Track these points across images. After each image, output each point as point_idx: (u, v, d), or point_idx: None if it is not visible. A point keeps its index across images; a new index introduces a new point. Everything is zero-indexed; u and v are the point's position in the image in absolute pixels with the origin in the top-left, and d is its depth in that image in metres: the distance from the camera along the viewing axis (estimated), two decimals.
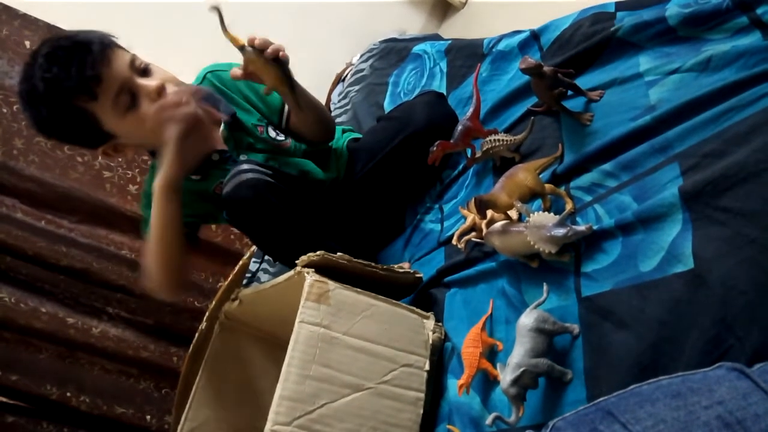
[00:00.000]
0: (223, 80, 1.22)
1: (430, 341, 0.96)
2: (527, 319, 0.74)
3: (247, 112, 1.21)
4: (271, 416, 0.81)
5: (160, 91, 1.03)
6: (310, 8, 2.46)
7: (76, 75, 0.95)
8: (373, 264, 0.98)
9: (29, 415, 1.69)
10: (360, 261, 0.96)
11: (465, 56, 1.43)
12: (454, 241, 1.04)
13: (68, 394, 1.70)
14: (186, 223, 1.13)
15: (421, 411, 0.90)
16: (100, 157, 1.83)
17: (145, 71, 1.04)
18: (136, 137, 1.09)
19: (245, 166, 1.04)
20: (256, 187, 1.03)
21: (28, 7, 1.80)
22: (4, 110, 1.73)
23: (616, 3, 1.00)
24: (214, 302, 1.27)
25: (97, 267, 1.75)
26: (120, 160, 1.85)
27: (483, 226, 0.95)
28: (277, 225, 1.07)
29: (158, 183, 1.02)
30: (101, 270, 1.76)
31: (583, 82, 0.95)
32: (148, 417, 1.79)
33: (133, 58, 1.03)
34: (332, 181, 1.30)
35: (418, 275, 1.05)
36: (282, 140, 1.24)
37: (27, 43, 1.77)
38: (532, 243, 0.78)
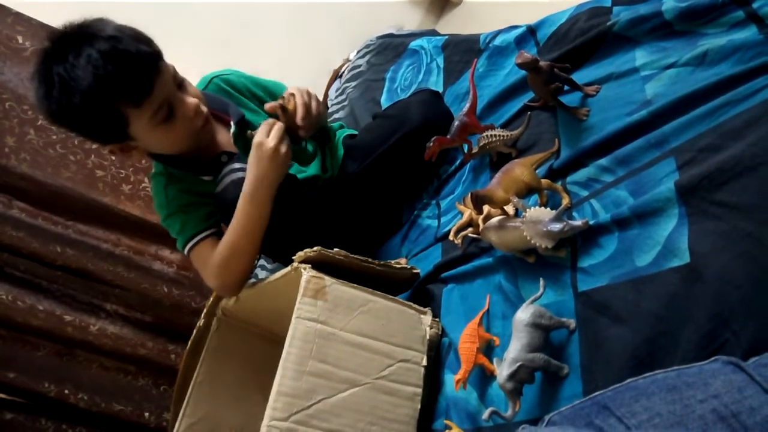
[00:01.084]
0: (231, 82, 1.23)
1: (427, 337, 0.96)
2: (524, 314, 0.74)
3: (256, 113, 1.22)
4: (268, 412, 0.81)
5: (198, 111, 1.05)
6: (308, 4, 2.46)
7: (131, 82, 0.94)
8: (370, 260, 0.98)
9: (28, 412, 1.68)
10: (357, 257, 0.96)
11: (462, 52, 1.43)
12: (451, 237, 1.04)
13: (66, 391, 1.70)
14: (210, 224, 1.14)
15: (419, 406, 0.91)
16: (93, 156, 1.82)
17: (181, 85, 1.05)
18: (155, 145, 1.09)
19: (236, 165, 1.05)
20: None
21: (25, 7, 1.79)
22: None
23: None
24: (211, 299, 1.27)
25: (93, 268, 1.75)
26: (113, 158, 1.84)
27: (480, 221, 0.95)
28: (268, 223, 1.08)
29: (249, 192, 1.02)
30: (97, 270, 1.75)
31: (580, 77, 0.95)
32: (147, 414, 1.78)
33: (175, 72, 1.03)
34: (328, 177, 1.30)
35: (415, 271, 1.05)
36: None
37: (19, 39, 1.75)
38: (528, 238, 0.78)
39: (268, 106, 1.04)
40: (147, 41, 0.98)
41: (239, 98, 1.22)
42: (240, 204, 1.03)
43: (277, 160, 0.99)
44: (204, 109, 1.07)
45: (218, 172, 1.10)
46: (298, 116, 1.01)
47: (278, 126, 1.01)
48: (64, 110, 0.96)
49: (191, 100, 1.04)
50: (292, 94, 1.04)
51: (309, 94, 1.06)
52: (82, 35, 0.94)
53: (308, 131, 1.05)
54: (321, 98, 2.30)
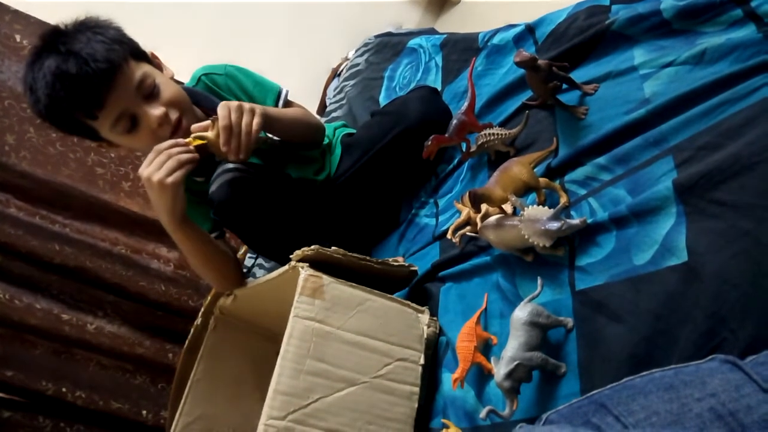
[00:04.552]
0: (217, 83, 1.22)
1: (425, 335, 0.96)
2: (521, 312, 0.74)
3: None
4: (265, 410, 0.81)
5: (162, 122, 1.02)
6: (306, 2, 2.45)
7: (78, 98, 0.95)
8: (367, 258, 0.98)
9: (26, 410, 1.68)
10: (355, 255, 0.96)
11: (460, 50, 1.43)
12: (448, 236, 1.04)
13: (64, 389, 1.70)
14: (211, 227, 1.15)
15: (416, 405, 0.90)
16: (92, 154, 1.83)
17: (151, 93, 1.02)
18: (129, 148, 1.10)
19: (229, 166, 1.04)
20: (238, 185, 1.03)
21: (24, 5, 1.79)
22: None
23: None
24: (209, 298, 1.27)
25: (91, 266, 1.75)
26: (113, 155, 1.85)
27: (478, 220, 0.95)
28: (261, 222, 1.08)
29: (165, 225, 1.03)
30: (95, 268, 1.75)
31: (578, 75, 0.94)
32: (144, 412, 1.78)
33: (142, 79, 1.01)
34: (325, 175, 1.29)
35: (412, 268, 1.05)
36: (277, 140, 1.24)
37: (17, 37, 1.75)
38: (526, 237, 0.78)
39: (193, 127, 0.99)
40: (107, 51, 0.96)
41: (225, 97, 1.22)
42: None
43: (158, 192, 0.95)
44: (174, 117, 1.04)
45: (212, 173, 1.09)
46: (220, 142, 0.96)
47: (162, 155, 0.95)
48: (38, 115, 1.01)
49: (155, 112, 1.01)
50: (216, 118, 0.96)
51: (240, 109, 0.97)
52: (50, 44, 0.97)
53: (239, 153, 0.97)
54: (320, 97, 2.31)
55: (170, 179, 0.94)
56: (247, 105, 0.99)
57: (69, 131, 1.05)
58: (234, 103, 0.98)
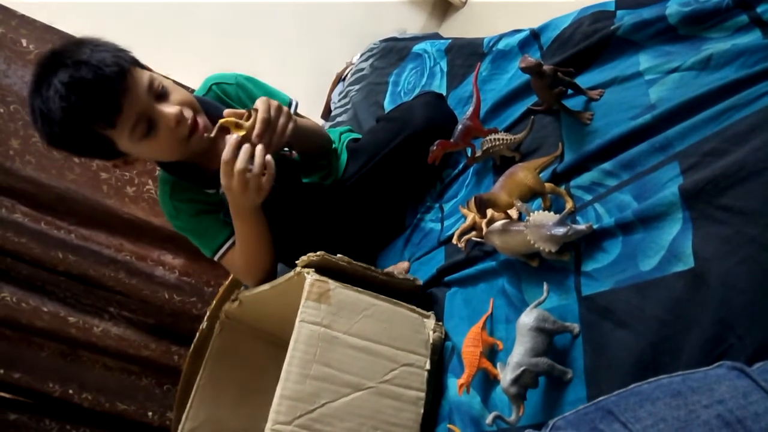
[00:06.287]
0: (228, 92, 1.22)
1: (431, 340, 0.96)
2: (527, 318, 0.74)
3: None
4: (271, 416, 0.81)
5: (179, 120, 1.02)
6: (311, 7, 2.47)
7: (96, 106, 0.95)
8: (372, 268, 0.98)
9: (32, 412, 1.69)
10: (360, 264, 0.96)
11: (465, 55, 1.43)
12: (454, 241, 1.04)
13: (70, 391, 1.71)
14: (229, 233, 1.15)
15: (422, 410, 0.90)
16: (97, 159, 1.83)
17: (161, 94, 1.02)
18: (150, 157, 1.10)
19: None
20: None
21: (29, 8, 1.81)
22: (1, 110, 1.73)
23: (616, 1, 1.00)
24: (214, 302, 1.28)
25: (94, 274, 1.75)
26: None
27: (483, 225, 0.95)
28: (270, 226, 1.08)
29: (232, 211, 1.05)
30: (99, 277, 1.76)
31: (583, 80, 0.95)
32: (150, 413, 1.79)
33: (151, 81, 1.01)
34: (331, 180, 1.30)
35: (417, 283, 1.05)
36: (287, 151, 1.25)
37: (23, 41, 1.76)
38: (532, 242, 0.78)
39: (226, 112, 0.98)
40: (115, 58, 0.96)
41: (236, 108, 1.22)
42: (233, 220, 1.06)
43: (244, 185, 0.96)
44: (189, 115, 1.04)
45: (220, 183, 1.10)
46: (254, 132, 0.96)
47: (246, 147, 0.95)
48: (52, 139, 0.99)
49: (170, 111, 1.01)
50: (255, 109, 0.97)
51: (279, 109, 1.00)
52: (52, 64, 0.96)
53: (267, 149, 0.98)
54: (324, 102, 2.32)
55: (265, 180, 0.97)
56: (285, 107, 1.02)
57: (84, 150, 1.04)
58: (274, 101, 1.01)
